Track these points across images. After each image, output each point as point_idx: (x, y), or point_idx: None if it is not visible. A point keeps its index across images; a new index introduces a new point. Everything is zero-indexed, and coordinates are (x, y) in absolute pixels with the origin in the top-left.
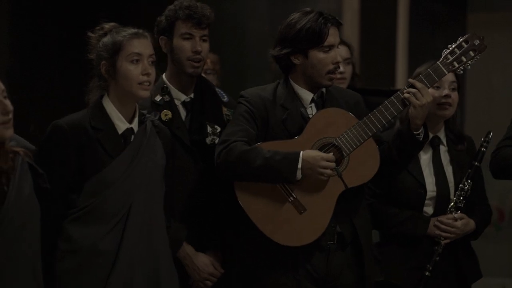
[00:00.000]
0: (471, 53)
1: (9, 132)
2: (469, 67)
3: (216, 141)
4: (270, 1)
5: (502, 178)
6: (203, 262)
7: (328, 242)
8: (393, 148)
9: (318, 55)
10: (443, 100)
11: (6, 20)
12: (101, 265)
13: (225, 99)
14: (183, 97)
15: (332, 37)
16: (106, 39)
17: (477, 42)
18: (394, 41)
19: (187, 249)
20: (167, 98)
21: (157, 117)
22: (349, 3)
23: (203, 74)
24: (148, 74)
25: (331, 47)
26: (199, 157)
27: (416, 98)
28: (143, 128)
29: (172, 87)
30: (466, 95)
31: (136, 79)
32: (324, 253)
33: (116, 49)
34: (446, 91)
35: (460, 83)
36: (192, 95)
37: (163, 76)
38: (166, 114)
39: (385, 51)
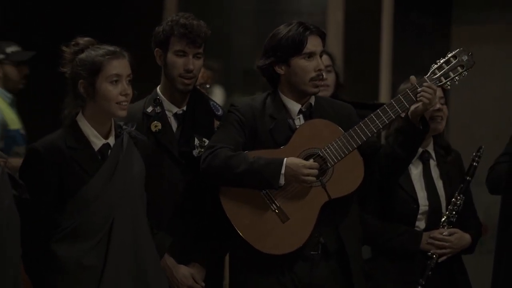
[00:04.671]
0: (459, 69)
1: None
2: (456, 82)
3: None
4: (257, 15)
5: (497, 194)
6: (183, 275)
7: (311, 252)
8: (395, 145)
9: (300, 63)
10: (435, 114)
11: None
12: (87, 281)
13: (219, 112)
14: (175, 109)
15: (312, 45)
16: (83, 57)
17: (465, 58)
18: (378, 54)
19: (168, 261)
20: (158, 109)
21: (133, 128)
22: (333, 16)
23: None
24: (126, 95)
25: (311, 54)
26: (187, 169)
27: (429, 100)
28: (119, 141)
29: (165, 99)
30: (451, 109)
31: (115, 99)
32: (308, 263)
33: (95, 70)
34: (438, 105)
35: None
36: (185, 108)
37: (157, 88)
38: (156, 125)
39: (370, 64)
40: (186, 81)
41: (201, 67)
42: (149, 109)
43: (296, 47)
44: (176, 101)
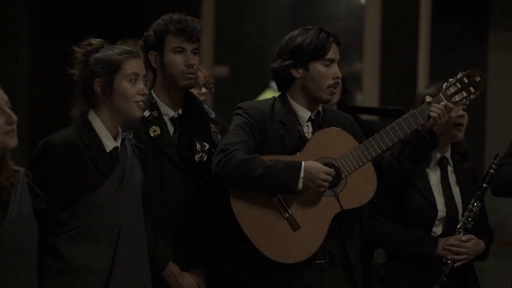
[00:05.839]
0: (472, 89)
1: (13, 141)
2: (468, 102)
3: (205, 159)
4: (291, 23)
5: (501, 196)
6: (188, 282)
7: (318, 261)
8: (401, 157)
9: (319, 68)
10: (458, 121)
11: (27, 37)
12: (93, 284)
13: (213, 115)
14: (172, 113)
15: (334, 52)
16: (99, 56)
17: (478, 78)
18: (415, 60)
19: (173, 268)
20: (155, 113)
21: (131, 135)
22: (371, 22)
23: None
24: (144, 94)
25: (331, 61)
26: (187, 174)
27: (439, 115)
28: (123, 147)
29: (161, 103)
30: (487, 115)
31: (133, 97)
32: (317, 272)
33: (114, 68)
34: (461, 111)
35: None
36: (180, 111)
37: (152, 91)
38: (155, 130)
39: (407, 70)
40: (190, 76)
41: (199, 64)
42: (146, 113)
43: (318, 52)
44: (173, 103)
